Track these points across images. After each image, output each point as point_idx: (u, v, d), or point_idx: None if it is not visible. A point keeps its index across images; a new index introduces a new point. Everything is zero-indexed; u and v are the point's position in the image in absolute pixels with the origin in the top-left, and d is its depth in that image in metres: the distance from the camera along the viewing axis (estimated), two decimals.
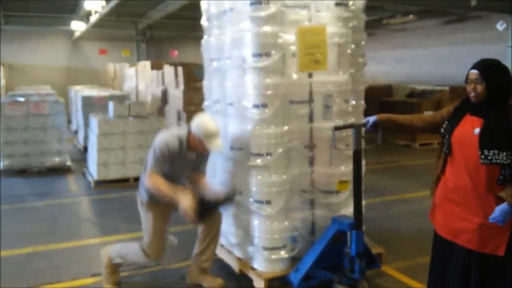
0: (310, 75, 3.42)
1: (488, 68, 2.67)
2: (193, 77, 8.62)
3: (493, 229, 2.67)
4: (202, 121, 3.16)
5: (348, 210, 3.43)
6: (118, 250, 3.50)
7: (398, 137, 9.89)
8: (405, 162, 8.33)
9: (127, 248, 3.49)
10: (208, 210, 3.15)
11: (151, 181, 3.14)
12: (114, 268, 3.57)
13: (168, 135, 3.22)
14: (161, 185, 3.12)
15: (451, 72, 11.59)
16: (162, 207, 3.33)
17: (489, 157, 2.63)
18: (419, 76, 12.73)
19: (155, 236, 3.33)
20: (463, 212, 2.78)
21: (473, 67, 2.70)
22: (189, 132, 3.19)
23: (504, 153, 2.60)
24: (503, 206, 2.60)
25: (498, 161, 2.61)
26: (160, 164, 3.14)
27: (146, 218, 3.37)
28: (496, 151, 2.61)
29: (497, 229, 2.66)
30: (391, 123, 3.16)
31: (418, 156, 8.64)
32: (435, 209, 2.98)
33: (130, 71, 12.96)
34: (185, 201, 3.03)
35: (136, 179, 6.74)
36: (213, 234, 3.48)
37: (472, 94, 2.72)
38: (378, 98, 10.81)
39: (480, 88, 2.67)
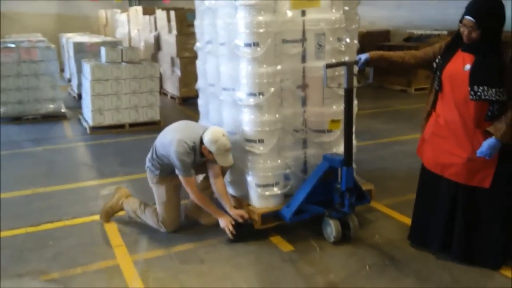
0: (303, 13, 3.36)
1: (485, 16, 2.60)
2: (186, 21, 8.42)
3: (480, 163, 2.74)
4: (216, 138, 3.20)
5: (340, 149, 3.48)
6: (135, 207, 3.59)
7: (394, 83, 9.83)
8: (400, 107, 8.34)
9: (144, 210, 3.56)
10: (239, 228, 3.34)
11: (191, 188, 3.31)
12: (117, 211, 3.71)
13: (184, 147, 3.21)
14: (202, 199, 3.36)
15: (450, 17, 11.29)
16: (173, 179, 3.43)
17: (478, 93, 2.66)
18: (418, 21, 12.44)
19: (169, 207, 3.46)
20: (451, 147, 2.84)
21: (469, 13, 2.63)
22: (202, 143, 3.26)
23: (493, 90, 2.63)
24: (490, 141, 2.66)
25: (487, 97, 2.64)
26: (189, 168, 3.27)
27: (158, 192, 3.49)
28: (485, 87, 2.64)
29: (484, 163, 2.74)
30: (383, 60, 3.16)
31: (413, 101, 8.63)
32: (424, 143, 3.04)
33: (122, 17, 12.64)
34: (225, 219, 3.33)
35: (132, 125, 6.82)
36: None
37: (465, 38, 2.70)
38: (375, 43, 10.64)
39: (475, 34, 2.65)
